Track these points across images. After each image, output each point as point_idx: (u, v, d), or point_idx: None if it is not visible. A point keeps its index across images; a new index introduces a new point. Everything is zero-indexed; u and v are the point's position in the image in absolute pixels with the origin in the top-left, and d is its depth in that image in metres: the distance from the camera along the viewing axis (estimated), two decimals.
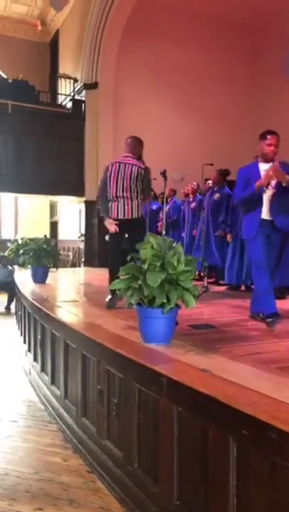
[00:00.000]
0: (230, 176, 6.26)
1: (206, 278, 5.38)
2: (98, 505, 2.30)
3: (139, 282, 2.36)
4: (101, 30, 9.97)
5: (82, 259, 10.39)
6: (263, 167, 3.34)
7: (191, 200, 6.81)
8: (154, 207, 7.64)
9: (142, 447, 2.19)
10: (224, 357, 2.28)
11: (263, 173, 3.30)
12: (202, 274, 5.68)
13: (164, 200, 4.12)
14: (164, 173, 3.95)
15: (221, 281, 6.05)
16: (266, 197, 3.33)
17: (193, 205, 6.70)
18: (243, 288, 5.48)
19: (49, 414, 3.56)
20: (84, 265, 10.19)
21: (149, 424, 2.12)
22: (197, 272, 5.61)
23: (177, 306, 2.45)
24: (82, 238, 10.34)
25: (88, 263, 10.03)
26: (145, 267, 2.39)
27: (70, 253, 11.22)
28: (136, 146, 4.24)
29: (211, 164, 5.58)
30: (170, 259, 2.42)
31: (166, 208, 4.20)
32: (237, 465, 1.58)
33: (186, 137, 10.65)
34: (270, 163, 3.32)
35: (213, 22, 10.58)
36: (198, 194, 6.67)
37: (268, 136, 3.30)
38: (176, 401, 1.90)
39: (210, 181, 6.30)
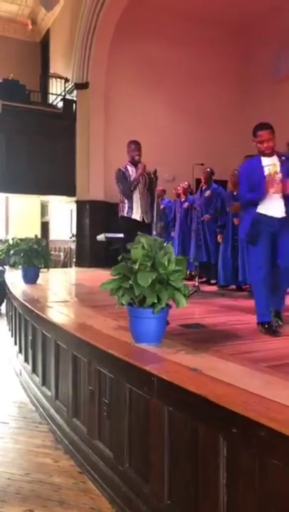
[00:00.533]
0: (220, 175, 6.33)
1: (196, 277, 5.39)
2: (89, 505, 2.30)
3: (130, 282, 2.36)
4: (92, 30, 9.95)
5: (74, 260, 10.37)
6: (265, 162, 3.11)
7: (183, 200, 6.82)
8: None
9: (133, 447, 2.19)
10: (214, 356, 2.29)
11: (266, 170, 3.07)
12: (193, 273, 5.69)
13: (155, 199, 4.13)
14: (154, 173, 3.96)
15: (212, 281, 6.07)
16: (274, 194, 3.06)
17: (186, 204, 6.71)
18: (233, 287, 5.51)
19: (40, 415, 3.55)
20: (75, 265, 10.16)
21: (140, 425, 2.12)
22: (188, 272, 5.62)
23: (168, 305, 2.45)
24: (74, 238, 10.31)
25: (79, 263, 10.00)
26: (136, 267, 2.39)
27: (62, 253, 11.19)
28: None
29: (202, 164, 5.60)
30: (161, 259, 2.42)
31: (159, 207, 4.25)
32: (227, 464, 1.58)
33: (177, 137, 10.67)
34: (273, 157, 3.10)
35: (204, 22, 10.61)
36: (190, 195, 6.70)
37: (258, 133, 3.07)
38: (166, 401, 1.91)
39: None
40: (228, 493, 1.58)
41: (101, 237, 9.28)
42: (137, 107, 10.46)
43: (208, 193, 6.00)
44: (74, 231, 10.35)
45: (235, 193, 5.40)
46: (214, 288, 5.70)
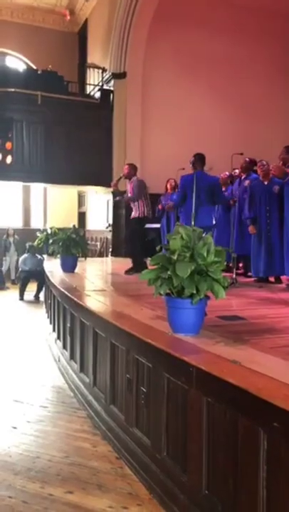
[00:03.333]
0: None
1: (234, 269, 5.32)
2: (126, 490, 2.34)
3: (169, 273, 2.36)
4: (130, 18, 9.89)
5: (110, 249, 10.47)
6: None
7: (223, 190, 6.71)
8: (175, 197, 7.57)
9: (170, 436, 2.21)
10: (254, 349, 2.26)
11: None
12: (230, 265, 5.62)
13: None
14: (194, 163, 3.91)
15: (249, 273, 5.97)
16: None
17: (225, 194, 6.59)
18: (271, 279, 5.40)
19: (78, 400, 3.63)
20: (111, 255, 10.26)
21: (177, 414, 2.13)
22: (225, 263, 5.53)
23: (206, 297, 2.44)
24: (110, 228, 10.40)
25: (115, 253, 10.09)
26: (174, 257, 2.38)
27: (98, 243, 11.31)
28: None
29: (241, 154, 5.48)
30: (200, 249, 2.41)
31: None
32: (267, 457, 1.57)
33: (216, 126, 10.49)
34: None
35: (245, 9, 10.31)
36: (230, 185, 6.57)
37: None
38: (205, 392, 1.90)
39: (236, 170, 6.24)
40: (267, 486, 1.57)
41: None
42: (175, 96, 10.34)
43: (247, 182, 5.87)
44: (110, 221, 10.44)
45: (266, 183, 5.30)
46: (251, 280, 5.61)
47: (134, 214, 6.08)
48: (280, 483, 1.51)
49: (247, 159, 6.00)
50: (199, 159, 5.30)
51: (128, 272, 5.88)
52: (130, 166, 6.21)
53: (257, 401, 1.59)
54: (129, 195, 6.07)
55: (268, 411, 1.54)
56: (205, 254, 2.40)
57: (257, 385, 1.67)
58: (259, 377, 1.80)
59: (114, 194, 6.51)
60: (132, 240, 6.29)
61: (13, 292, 9.39)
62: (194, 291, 2.34)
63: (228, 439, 1.76)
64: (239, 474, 1.69)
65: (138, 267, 5.72)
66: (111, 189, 10.21)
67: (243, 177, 6.01)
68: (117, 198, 6.61)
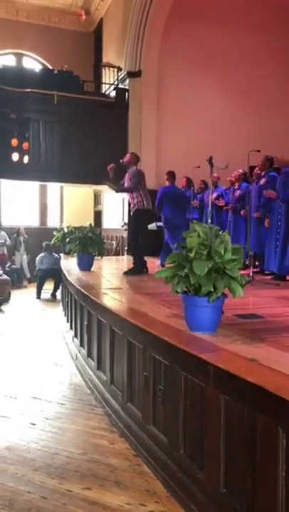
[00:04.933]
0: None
1: (251, 267, 5.28)
2: (144, 488, 2.35)
3: (186, 271, 2.36)
4: (145, 17, 9.88)
5: (126, 248, 10.49)
6: None
7: (236, 187, 6.67)
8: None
9: (187, 434, 2.21)
10: (272, 347, 2.25)
11: None
12: (247, 263, 5.58)
13: (211, 186, 4.07)
14: (210, 160, 3.90)
15: (266, 271, 5.92)
16: None
17: (238, 192, 6.56)
18: None
19: (95, 398, 3.66)
20: (127, 254, 10.28)
21: (195, 412, 2.13)
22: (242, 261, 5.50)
23: (224, 295, 2.43)
24: (126, 227, 10.41)
25: (131, 252, 10.09)
26: (191, 255, 2.38)
27: (114, 242, 11.35)
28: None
29: (258, 151, 5.43)
30: (217, 247, 2.39)
31: (212, 195, 4.21)
32: (286, 456, 1.56)
33: (232, 124, 10.41)
34: None
35: (263, 4, 10.20)
36: (244, 182, 6.53)
37: None
38: (223, 390, 1.90)
39: (256, 168, 6.19)
40: (287, 485, 1.56)
41: (152, 226, 9.30)
42: (191, 93, 10.30)
43: (263, 180, 5.82)
44: (126, 220, 10.46)
45: None
46: (268, 278, 5.56)
47: (133, 207, 5.65)
48: None
49: (264, 156, 5.94)
50: (171, 176, 6.51)
51: (126, 272, 5.55)
52: (132, 154, 5.88)
53: (275, 399, 1.58)
54: (126, 185, 5.67)
55: (287, 409, 1.53)
56: (222, 252, 2.38)
57: (275, 383, 1.66)
58: (277, 375, 1.78)
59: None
60: (133, 236, 5.91)
61: (31, 291, 9.49)
62: (211, 289, 2.33)
63: (246, 438, 1.76)
64: (258, 473, 1.68)
65: (138, 267, 5.52)
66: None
67: (261, 174, 5.96)
68: (115, 189, 6.00)
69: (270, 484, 1.61)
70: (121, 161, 5.81)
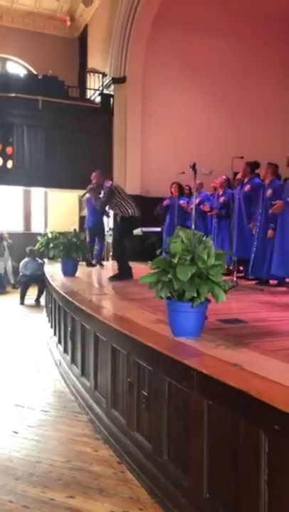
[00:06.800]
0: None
1: (235, 272, 5.32)
2: (128, 495, 2.34)
3: (169, 276, 2.37)
4: (130, 24, 9.96)
5: (111, 253, 10.47)
6: None
7: (220, 194, 6.74)
8: (181, 202, 7.63)
9: (171, 440, 2.21)
10: (255, 352, 2.26)
11: None
12: (230, 268, 5.63)
13: (195, 192, 4.10)
14: (193, 167, 3.93)
15: (250, 276, 5.98)
16: None
17: (222, 199, 6.62)
18: (274, 282, 5.40)
19: (79, 405, 3.63)
20: (112, 259, 10.26)
21: (179, 418, 2.13)
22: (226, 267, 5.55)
23: (207, 300, 2.44)
24: (110, 232, 10.40)
25: (116, 257, 10.08)
26: (175, 260, 2.39)
27: None
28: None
29: (241, 157, 5.49)
30: (200, 253, 2.41)
31: (196, 200, 4.22)
32: (269, 460, 1.56)
33: (216, 130, 10.54)
34: None
35: (246, 13, 10.37)
36: (228, 188, 6.59)
37: None
38: (206, 395, 1.90)
39: (239, 174, 6.25)
40: (269, 490, 1.57)
41: (138, 231, 9.30)
42: (176, 100, 10.39)
43: (248, 187, 5.88)
44: (111, 225, 10.45)
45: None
46: (252, 283, 5.61)
47: (118, 216, 5.75)
48: (282, 486, 1.51)
49: (247, 162, 6.00)
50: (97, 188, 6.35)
51: (111, 278, 5.56)
52: (98, 173, 5.87)
53: (258, 403, 1.59)
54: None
55: (269, 414, 1.54)
56: (205, 258, 2.40)
57: (258, 388, 1.67)
58: (260, 380, 1.80)
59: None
60: (117, 242, 5.91)
61: (14, 296, 9.39)
62: (195, 295, 2.34)
63: (229, 442, 1.76)
64: (240, 477, 1.69)
65: (123, 272, 5.52)
66: None
67: (245, 181, 6.01)
68: (97, 205, 6.01)
69: (253, 488, 1.61)
70: (88, 187, 5.92)
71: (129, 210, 5.57)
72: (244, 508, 1.67)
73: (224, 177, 6.66)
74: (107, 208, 6.01)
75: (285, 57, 11.16)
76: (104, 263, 8.20)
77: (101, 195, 5.80)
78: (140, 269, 6.44)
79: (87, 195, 6.35)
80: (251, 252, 5.48)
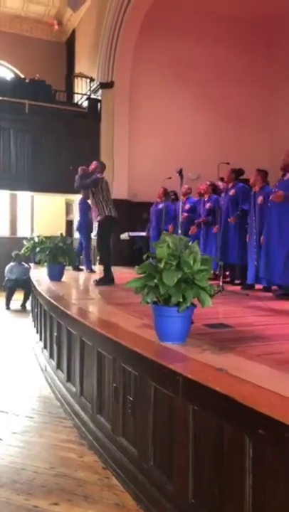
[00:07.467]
0: (248, 174, 6.23)
1: (221, 277, 5.36)
2: (113, 501, 2.32)
3: (155, 281, 2.37)
4: (118, 29, 10.01)
5: (98, 258, 10.43)
6: None
7: (206, 199, 6.79)
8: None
9: (157, 445, 2.20)
10: (240, 356, 2.27)
11: None
12: (217, 273, 5.66)
13: (181, 197, 4.13)
14: (180, 172, 3.95)
15: (236, 281, 6.02)
16: None
17: (208, 205, 6.66)
18: (259, 287, 5.44)
19: (65, 410, 3.60)
20: (98, 264, 10.23)
21: (164, 423, 2.12)
22: (212, 271, 5.56)
23: (193, 305, 2.45)
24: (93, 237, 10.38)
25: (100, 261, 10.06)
26: (161, 265, 2.40)
27: None
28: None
29: (228, 163, 5.55)
30: (186, 258, 2.42)
31: (185, 206, 4.24)
32: (253, 465, 1.57)
33: (203, 136, 10.63)
34: None
35: (231, 19, 10.52)
36: (213, 194, 6.64)
37: None
38: (191, 400, 1.90)
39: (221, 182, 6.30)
40: (253, 494, 1.57)
41: (125, 235, 9.33)
42: (162, 105, 10.46)
43: (232, 191, 5.95)
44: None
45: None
46: (238, 288, 5.65)
47: (97, 218, 5.69)
48: (266, 491, 1.51)
49: (231, 168, 6.07)
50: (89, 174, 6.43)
51: (97, 282, 5.54)
52: (98, 162, 6.07)
53: (242, 408, 1.60)
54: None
55: (254, 418, 1.55)
56: (191, 263, 2.41)
57: (242, 393, 1.68)
58: (245, 384, 1.81)
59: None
60: (98, 245, 5.87)
61: None
62: (181, 300, 2.35)
63: (214, 447, 1.76)
64: (225, 482, 1.69)
65: (107, 275, 5.51)
66: None
67: (229, 186, 6.09)
68: (77, 182, 6.34)
69: (238, 493, 1.62)
70: (81, 167, 6.32)
71: (106, 210, 5.60)
72: None
73: (208, 183, 6.72)
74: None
75: (271, 64, 11.32)
76: (94, 267, 8.17)
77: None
78: (127, 273, 6.44)
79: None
80: (253, 259, 5.40)
